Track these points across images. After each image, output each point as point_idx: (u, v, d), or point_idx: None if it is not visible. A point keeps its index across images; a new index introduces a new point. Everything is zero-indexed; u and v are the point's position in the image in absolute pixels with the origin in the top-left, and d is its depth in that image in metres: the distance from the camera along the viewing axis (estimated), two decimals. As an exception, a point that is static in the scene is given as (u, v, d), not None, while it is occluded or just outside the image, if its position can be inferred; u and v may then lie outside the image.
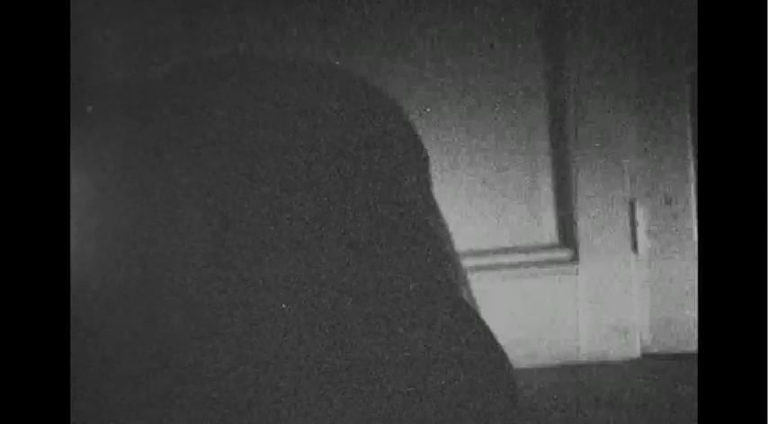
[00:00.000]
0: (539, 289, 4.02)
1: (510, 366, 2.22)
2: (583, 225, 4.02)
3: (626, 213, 4.02)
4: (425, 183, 2.54)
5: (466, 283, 2.44)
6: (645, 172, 4.02)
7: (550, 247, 4.08)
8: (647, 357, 4.01)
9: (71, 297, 1.83)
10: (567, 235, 4.08)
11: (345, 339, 2.13)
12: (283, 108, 2.32)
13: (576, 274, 4.04)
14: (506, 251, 4.05)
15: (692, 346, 3.93)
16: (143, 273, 2.09)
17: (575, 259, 4.05)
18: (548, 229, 4.08)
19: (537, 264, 4.03)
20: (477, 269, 3.80)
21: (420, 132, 2.53)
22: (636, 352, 4.00)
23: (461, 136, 4.01)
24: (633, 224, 4.02)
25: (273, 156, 2.24)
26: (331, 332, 2.10)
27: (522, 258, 4.05)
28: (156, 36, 2.37)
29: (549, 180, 4.07)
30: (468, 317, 2.22)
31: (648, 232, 4.00)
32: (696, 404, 1.93)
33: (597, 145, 3.99)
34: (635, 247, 4.02)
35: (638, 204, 4.02)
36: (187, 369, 2.04)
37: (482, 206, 4.04)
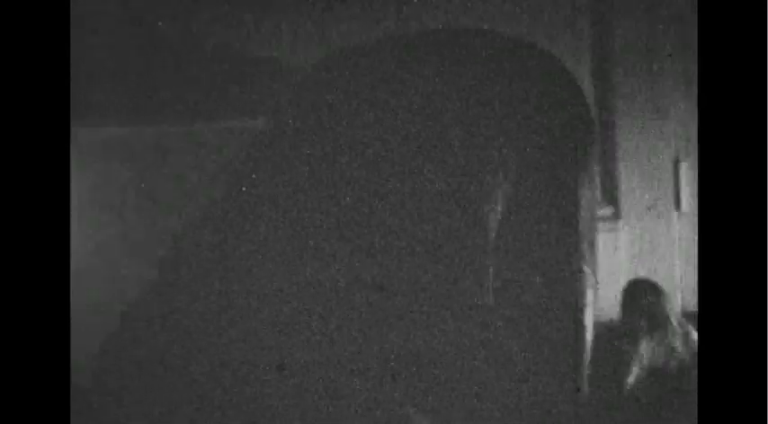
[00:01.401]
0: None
1: None
2: (626, 183, 3.97)
3: (669, 171, 3.96)
4: None
5: None
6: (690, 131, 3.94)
7: (592, 204, 4.01)
8: (687, 315, 3.96)
9: (71, 297, 1.86)
10: (609, 192, 4.02)
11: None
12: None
13: (618, 231, 4.00)
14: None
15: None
16: (144, 274, 2.11)
17: (617, 216, 4.01)
18: (591, 186, 4.02)
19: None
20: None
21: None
22: (677, 310, 3.95)
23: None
24: (677, 182, 3.96)
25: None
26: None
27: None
28: (156, 35, 2.37)
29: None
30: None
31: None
32: (696, 404, 1.92)
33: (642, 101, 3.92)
34: (678, 205, 3.97)
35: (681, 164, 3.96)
36: (188, 369, 2.07)
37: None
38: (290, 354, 2.09)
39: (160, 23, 2.41)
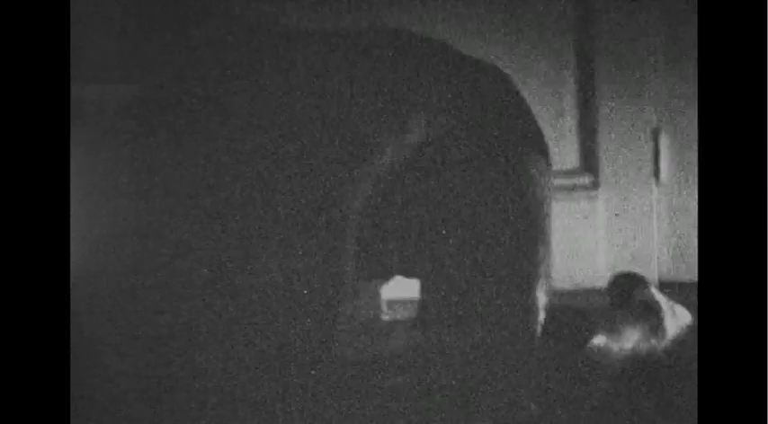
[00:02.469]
0: (558, 214, 3.98)
1: None
2: (605, 152, 3.98)
3: (650, 141, 3.98)
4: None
5: None
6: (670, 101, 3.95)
7: (571, 172, 4.04)
8: (664, 285, 3.99)
9: (71, 297, 1.85)
10: (589, 161, 4.04)
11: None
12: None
13: (597, 200, 4.02)
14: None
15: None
16: (143, 274, 2.11)
17: (595, 185, 4.03)
18: (570, 154, 4.04)
19: (557, 189, 4.00)
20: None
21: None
22: (654, 280, 3.99)
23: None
24: (656, 152, 3.98)
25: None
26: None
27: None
28: (156, 37, 2.35)
29: (574, 104, 4.01)
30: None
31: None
32: (696, 403, 1.93)
33: (623, 71, 3.93)
34: (657, 175, 3.99)
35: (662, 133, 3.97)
36: (187, 369, 2.07)
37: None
38: (292, 353, 2.10)
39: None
